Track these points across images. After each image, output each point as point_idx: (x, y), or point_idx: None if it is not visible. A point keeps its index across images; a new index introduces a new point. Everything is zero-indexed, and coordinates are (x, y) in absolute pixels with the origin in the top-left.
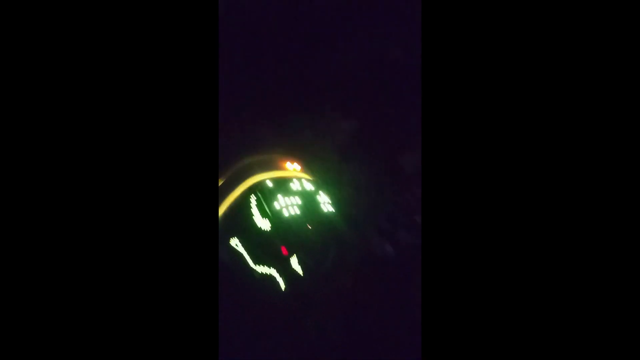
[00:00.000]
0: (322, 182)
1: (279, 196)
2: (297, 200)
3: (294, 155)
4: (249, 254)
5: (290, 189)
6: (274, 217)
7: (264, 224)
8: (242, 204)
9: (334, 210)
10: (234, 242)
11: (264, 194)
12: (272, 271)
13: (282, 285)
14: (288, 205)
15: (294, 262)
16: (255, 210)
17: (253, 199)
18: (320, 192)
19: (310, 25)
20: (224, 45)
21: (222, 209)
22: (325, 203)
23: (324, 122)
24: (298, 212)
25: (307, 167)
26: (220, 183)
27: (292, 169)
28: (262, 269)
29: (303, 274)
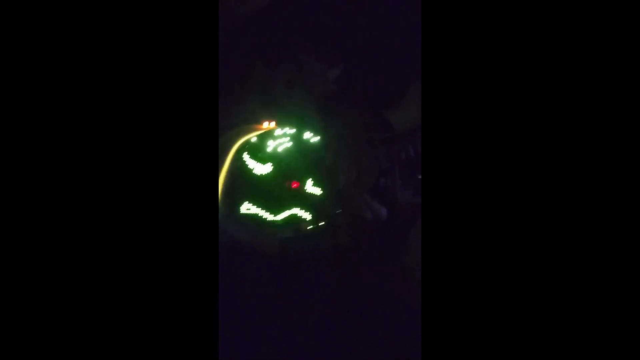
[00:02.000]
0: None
1: (269, 142)
2: (286, 139)
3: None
4: (264, 209)
5: (276, 135)
6: (272, 158)
7: (265, 169)
8: (235, 168)
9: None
10: (244, 208)
11: (253, 147)
12: (294, 210)
13: (308, 217)
14: (280, 144)
15: (309, 185)
16: (251, 163)
17: (245, 155)
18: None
19: None
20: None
21: (219, 188)
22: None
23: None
24: (291, 143)
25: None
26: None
27: (267, 126)
28: (282, 215)
29: (322, 191)
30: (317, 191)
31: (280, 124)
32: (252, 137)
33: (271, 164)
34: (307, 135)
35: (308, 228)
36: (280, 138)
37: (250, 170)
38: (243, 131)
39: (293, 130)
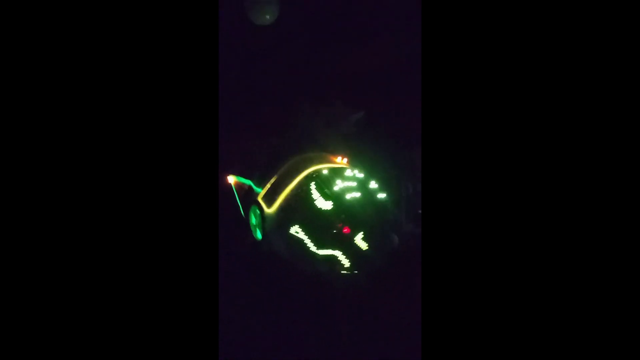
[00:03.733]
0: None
1: (338, 181)
2: (354, 184)
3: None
4: (310, 238)
5: (346, 176)
6: (336, 198)
7: (325, 205)
8: (300, 192)
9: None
10: (294, 229)
11: (322, 180)
12: (336, 252)
13: (346, 263)
14: (348, 189)
15: (358, 238)
16: (315, 194)
17: (312, 185)
18: (372, 181)
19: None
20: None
21: (278, 202)
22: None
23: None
24: (358, 194)
25: (354, 160)
26: (272, 180)
27: (340, 161)
28: (324, 251)
29: (367, 248)
30: (364, 245)
31: (352, 163)
32: (324, 169)
33: (332, 203)
34: (373, 184)
35: (342, 272)
36: (350, 180)
37: (313, 200)
38: (315, 158)
39: (362, 175)
